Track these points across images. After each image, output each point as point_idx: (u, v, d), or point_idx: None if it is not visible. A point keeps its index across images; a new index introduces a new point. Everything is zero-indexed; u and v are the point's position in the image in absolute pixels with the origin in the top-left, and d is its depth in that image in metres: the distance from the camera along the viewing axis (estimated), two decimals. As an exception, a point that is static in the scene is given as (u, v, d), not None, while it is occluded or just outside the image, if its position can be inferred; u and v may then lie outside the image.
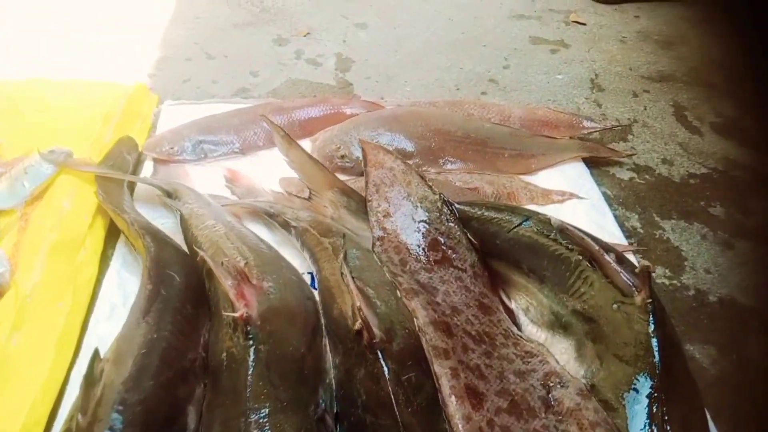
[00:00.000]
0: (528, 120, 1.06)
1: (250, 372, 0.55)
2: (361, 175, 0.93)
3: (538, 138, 1.02)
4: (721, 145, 1.08)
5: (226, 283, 0.60)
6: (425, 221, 0.74)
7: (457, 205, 0.75)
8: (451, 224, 0.73)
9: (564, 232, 0.66)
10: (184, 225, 0.75)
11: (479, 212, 0.74)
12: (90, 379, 0.54)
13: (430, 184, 0.77)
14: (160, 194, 0.85)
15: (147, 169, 0.94)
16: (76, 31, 1.31)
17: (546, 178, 0.97)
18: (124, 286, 0.75)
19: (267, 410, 0.52)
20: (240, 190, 0.92)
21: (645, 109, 1.18)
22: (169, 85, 1.16)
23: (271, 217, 0.83)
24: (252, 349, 0.56)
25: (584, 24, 1.50)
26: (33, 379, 0.63)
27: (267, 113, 1.04)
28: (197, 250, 0.67)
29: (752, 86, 1.28)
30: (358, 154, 0.96)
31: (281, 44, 1.35)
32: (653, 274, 0.78)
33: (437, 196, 0.75)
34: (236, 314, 0.56)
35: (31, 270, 0.71)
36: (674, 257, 0.85)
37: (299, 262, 0.78)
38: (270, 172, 0.96)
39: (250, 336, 0.57)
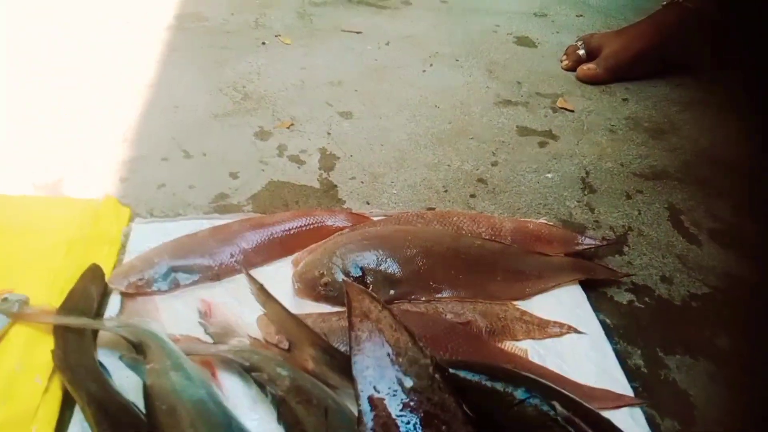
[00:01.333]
0: (520, 234, 1.01)
1: None
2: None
3: (532, 256, 0.97)
4: (721, 258, 1.04)
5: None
6: (416, 390, 0.67)
7: (451, 371, 0.69)
8: (445, 395, 0.67)
9: (571, 423, 0.60)
10: (147, 398, 0.67)
11: (475, 380, 0.68)
12: None
13: (421, 344, 0.71)
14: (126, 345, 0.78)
15: (114, 303, 0.86)
16: (35, 133, 1.25)
17: (541, 305, 0.91)
18: (80, 469, 0.67)
19: None
20: (214, 328, 0.85)
21: (639, 213, 1.14)
22: (142, 192, 1.10)
23: (246, 371, 0.76)
24: None
25: (572, 110, 1.48)
26: None
27: (246, 230, 0.99)
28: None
29: (749, 182, 1.25)
30: (338, 277, 0.91)
31: (263, 138, 1.30)
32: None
33: (428, 360, 0.69)
34: None
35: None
36: (682, 405, 0.79)
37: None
38: (245, 300, 0.89)
39: None
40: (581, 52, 1.67)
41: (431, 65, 1.66)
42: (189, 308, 0.88)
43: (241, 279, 0.94)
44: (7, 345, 0.75)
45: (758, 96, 1.54)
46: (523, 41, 1.85)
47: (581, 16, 2.06)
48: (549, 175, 1.23)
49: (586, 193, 1.19)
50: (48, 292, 0.82)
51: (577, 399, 0.65)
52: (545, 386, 0.66)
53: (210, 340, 0.83)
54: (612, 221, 1.12)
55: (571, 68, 1.67)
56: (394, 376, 0.69)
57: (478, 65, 1.68)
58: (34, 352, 0.75)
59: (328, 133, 1.34)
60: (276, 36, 1.76)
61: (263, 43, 1.71)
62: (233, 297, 0.90)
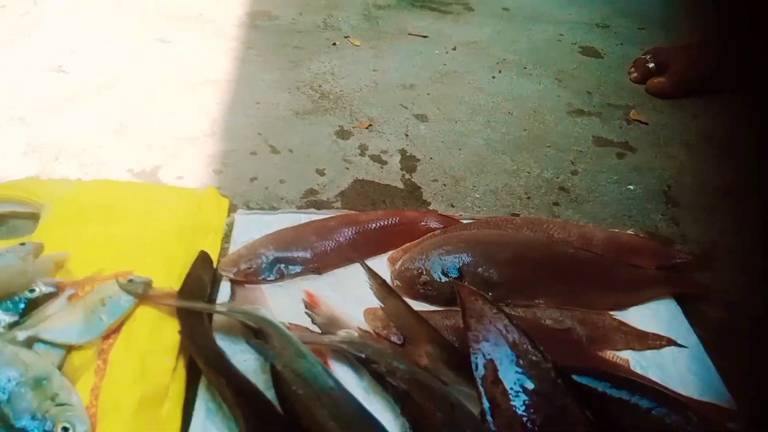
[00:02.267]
0: (612, 244, 1.02)
1: None
2: (447, 304, 0.90)
3: (626, 267, 0.98)
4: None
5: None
6: (539, 392, 0.69)
7: (573, 376, 0.70)
8: (568, 399, 0.68)
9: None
10: (279, 382, 0.70)
11: (598, 386, 0.69)
12: None
13: (540, 347, 0.72)
14: (244, 329, 0.81)
15: (224, 289, 0.90)
16: (130, 125, 1.29)
17: (637, 317, 0.92)
18: (211, 445, 0.70)
19: None
20: (321, 319, 0.87)
21: (724, 229, 1.15)
22: (237, 185, 1.13)
23: (362, 363, 0.78)
24: None
25: (646, 123, 1.48)
26: None
27: (342, 227, 1.02)
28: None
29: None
30: (441, 280, 0.93)
31: (344, 137, 1.33)
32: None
33: (550, 364, 0.71)
34: None
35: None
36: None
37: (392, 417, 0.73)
38: (348, 294, 0.92)
39: None
40: (651, 65, 1.67)
41: (500, 72, 1.68)
42: (294, 299, 0.91)
43: (340, 273, 0.97)
44: (137, 326, 0.78)
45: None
46: (588, 51, 1.85)
47: (643, 29, 2.05)
48: (631, 187, 1.24)
49: (669, 206, 1.19)
50: (166, 276, 0.85)
51: (703, 413, 0.66)
52: (670, 397, 0.67)
53: (318, 330, 0.86)
54: (697, 236, 1.12)
55: (640, 81, 1.67)
56: (516, 377, 0.70)
57: (546, 73, 1.69)
58: (161, 333, 0.78)
59: (406, 135, 1.36)
60: (345, 37, 1.79)
61: (334, 44, 1.74)
62: (335, 290, 0.93)
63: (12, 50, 1.47)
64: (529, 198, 1.19)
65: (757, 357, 0.89)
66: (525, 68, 1.71)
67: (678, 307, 0.94)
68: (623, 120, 1.49)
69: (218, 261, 0.94)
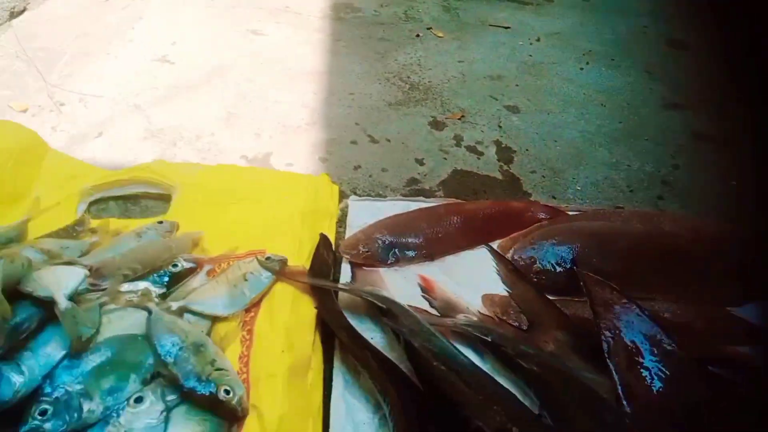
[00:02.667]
0: (724, 240, 1.01)
1: None
2: (559, 294, 0.91)
3: (740, 262, 0.97)
4: None
5: None
6: (673, 380, 0.70)
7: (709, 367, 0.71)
8: (703, 388, 0.69)
9: None
10: (418, 359, 0.73)
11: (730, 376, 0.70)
12: None
13: (673, 335, 0.73)
14: (368, 306, 0.85)
15: (345, 271, 0.94)
16: (237, 113, 1.35)
17: (755, 313, 0.91)
18: (353, 415, 0.74)
19: None
20: (439, 302, 0.90)
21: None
22: (342, 173, 1.18)
23: (487, 346, 0.81)
24: None
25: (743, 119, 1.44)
26: None
27: (451, 215, 1.05)
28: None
29: None
30: (555, 269, 0.94)
31: (438, 128, 1.35)
32: None
33: (684, 353, 0.71)
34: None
35: (272, 397, 0.71)
36: None
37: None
38: (462, 280, 0.95)
39: None
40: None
41: (587, 63, 1.66)
42: (409, 282, 0.94)
43: (450, 260, 1.00)
44: (277, 301, 0.83)
45: None
46: (676, 44, 1.81)
47: (727, 23, 1.98)
48: (735, 183, 1.21)
49: (778, 203, 1.17)
50: (297, 256, 0.90)
51: None
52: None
53: (436, 313, 0.89)
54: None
55: (735, 74, 1.62)
56: (651, 364, 0.71)
57: (635, 65, 1.66)
58: (299, 309, 0.83)
59: (500, 126, 1.37)
60: (428, 29, 1.81)
61: (417, 36, 1.76)
62: (448, 276, 0.96)
63: (120, 42, 1.56)
64: (632, 191, 1.18)
65: None
66: (613, 60, 1.68)
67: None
68: (715, 114, 1.45)
69: (335, 244, 0.99)
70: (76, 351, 0.69)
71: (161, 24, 1.68)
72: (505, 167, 1.24)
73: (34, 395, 0.65)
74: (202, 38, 1.63)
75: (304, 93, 1.43)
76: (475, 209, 1.06)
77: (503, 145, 1.31)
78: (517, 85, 1.54)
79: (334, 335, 0.83)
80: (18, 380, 0.63)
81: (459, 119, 1.39)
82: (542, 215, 1.06)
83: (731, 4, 2.06)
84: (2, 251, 0.82)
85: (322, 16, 1.83)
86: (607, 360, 0.72)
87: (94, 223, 0.96)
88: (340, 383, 0.78)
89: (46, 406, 0.63)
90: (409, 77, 1.55)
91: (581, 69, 1.63)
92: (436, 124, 1.37)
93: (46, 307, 0.70)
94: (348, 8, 1.90)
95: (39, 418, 0.62)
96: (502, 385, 0.70)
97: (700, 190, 1.19)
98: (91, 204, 1.03)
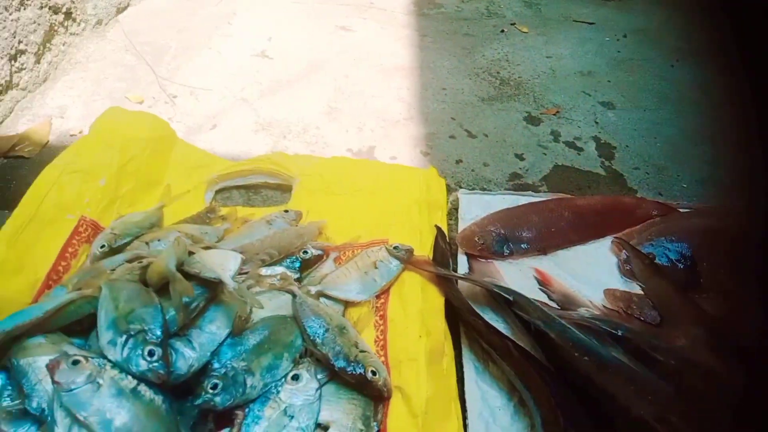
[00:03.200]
0: None
1: None
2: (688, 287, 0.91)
3: None
4: None
5: None
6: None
7: None
8: None
9: None
10: (555, 351, 0.75)
11: None
12: None
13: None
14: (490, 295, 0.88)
15: (461, 263, 0.97)
16: (338, 108, 1.39)
17: None
18: (488, 400, 0.77)
19: None
20: (557, 296, 0.92)
21: None
22: (445, 167, 1.20)
23: (615, 340, 0.82)
24: None
25: None
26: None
27: (562, 210, 1.05)
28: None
29: None
30: (676, 265, 0.94)
31: (534, 123, 1.36)
32: None
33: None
34: None
35: (417, 380, 0.74)
36: None
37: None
38: (578, 275, 0.96)
39: None
40: None
41: (677, 60, 1.63)
42: (525, 275, 0.96)
43: (563, 254, 1.01)
44: (408, 288, 0.86)
45: None
46: (771, 39, 1.74)
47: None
48: None
49: None
50: (419, 246, 0.93)
51: None
52: None
53: (556, 306, 0.90)
54: None
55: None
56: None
57: (730, 64, 1.61)
58: (429, 296, 0.86)
59: (596, 122, 1.37)
60: (511, 24, 1.80)
61: (502, 31, 1.76)
62: (563, 270, 0.97)
63: (220, 37, 1.63)
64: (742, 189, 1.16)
65: None
66: (703, 58, 1.64)
67: None
68: (829, 112, 1.40)
69: (448, 236, 1.01)
70: (238, 330, 0.74)
71: (255, 19, 1.74)
72: (607, 163, 1.24)
73: (202, 371, 0.70)
74: (295, 34, 1.68)
75: (399, 88, 1.46)
76: (586, 204, 1.06)
77: (602, 141, 1.30)
78: (609, 81, 1.53)
79: (457, 324, 0.86)
80: (192, 356, 0.68)
81: (554, 114, 1.39)
82: (654, 212, 1.05)
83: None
84: (158, 233, 0.89)
85: (407, 12, 1.85)
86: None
87: (223, 210, 1.02)
88: (472, 370, 0.81)
89: (216, 381, 0.68)
90: (498, 73, 1.56)
91: (672, 66, 1.60)
92: (532, 120, 1.37)
93: (210, 287, 0.75)
94: (431, 4, 1.91)
95: (211, 391, 0.68)
96: (652, 375, 0.71)
97: (814, 191, 1.16)
98: (217, 192, 1.09)
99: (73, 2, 1.42)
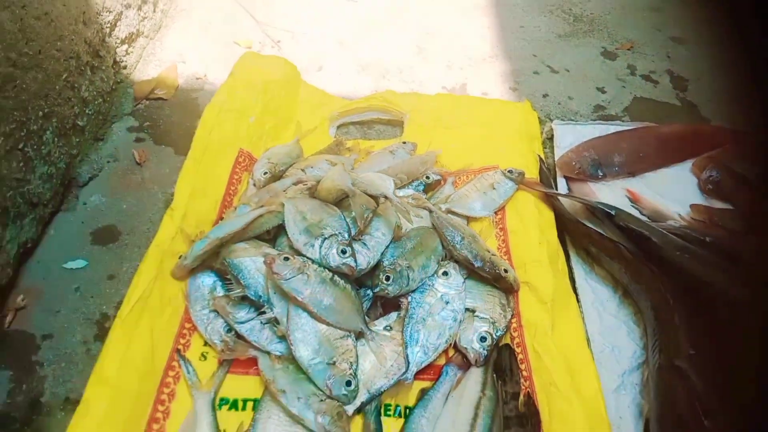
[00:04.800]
0: None
1: None
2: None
3: None
4: None
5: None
6: None
7: None
8: None
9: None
10: (659, 253, 0.91)
11: None
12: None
13: None
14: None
15: (561, 185, 1.11)
16: (427, 48, 1.50)
17: None
18: (597, 294, 0.94)
19: None
20: (647, 211, 1.07)
21: None
22: (534, 100, 1.32)
23: (700, 245, 0.97)
24: None
25: None
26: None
27: (648, 137, 1.18)
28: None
29: None
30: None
31: (611, 58, 1.45)
32: None
33: None
34: None
35: (542, 277, 0.91)
36: None
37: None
38: (664, 193, 1.10)
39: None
40: None
41: (746, -9, 1.67)
42: (617, 195, 1.10)
43: (650, 176, 1.15)
44: (524, 204, 1.02)
45: None
46: None
47: None
48: None
49: None
50: (525, 170, 1.07)
51: None
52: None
53: (647, 220, 1.05)
54: None
55: None
56: None
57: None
58: (542, 211, 1.02)
59: (668, 57, 1.46)
60: (578, -42, 1.84)
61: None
62: (651, 189, 1.11)
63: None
64: (809, 116, 1.26)
65: None
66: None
67: None
68: None
69: (547, 162, 1.15)
70: (397, 237, 0.91)
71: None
72: (681, 95, 1.34)
73: (375, 267, 0.87)
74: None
75: (479, 27, 1.55)
76: (669, 132, 1.18)
77: (675, 75, 1.40)
78: (682, 17, 1.59)
79: (563, 234, 1.02)
80: (369, 254, 0.85)
81: (629, 49, 1.48)
82: (725, 138, 1.17)
83: None
84: (309, 161, 1.05)
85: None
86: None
87: (348, 143, 1.17)
88: (581, 270, 0.97)
89: (389, 274, 0.85)
90: (570, 9, 1.63)
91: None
92: (608, 55, 1.47)
93: (374, 201, 0.91)
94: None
95: (385, 282, 0.85)
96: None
97: None
98: (337, 128, 1.23)
99: (174, -49, 1.52)
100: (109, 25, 1.21)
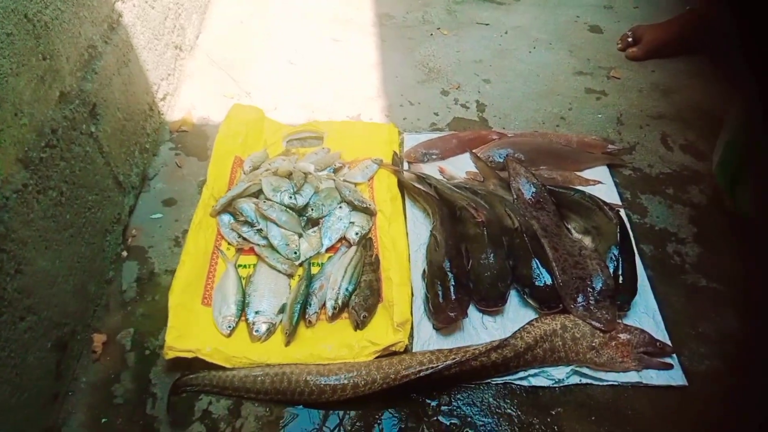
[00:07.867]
0: (580, 142, 2.17)
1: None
2: (501, 170, 2.09)
3: (584, 152, 2.13)
4: (684, 159, 2.15)
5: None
6: (535, 192, 1.88)
7: (548, 186, 1.89)
8: (545, 194, 1.88)
9: (591, 198, 1.80)
10: (442, 194, 1.93)
11: (557, 190, 1.88)
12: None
13: (537, 179, 1.91)
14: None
15: (405, 166, 2.13)
16: (340, 93, 2.52)
17: (587, 174, 2.08)
18: (415, 214, 1.95)
19: (493, 255, 1.70)
20: (446, 176, 2.09)
21: (645, 135, 2.25)
22: (399, 123, 2.34)
23: (464, 189, 1.99)
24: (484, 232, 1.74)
25: (619, 78, 2.55)
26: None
27: (456, 139, 2.22)
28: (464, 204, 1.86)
29: (716, 122, 2.31)
30: (499, 159, 2.11)
31: (445, 95, 2.50)
32: (622, 212, 1.91)
33: (540, 183, 1.90)
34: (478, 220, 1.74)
35: (390, 207, 1.91)
36: (640, 210, 1.96)
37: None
38: (456, 167, 2.13)
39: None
40: (630, 39, 2.69)
41: (534, 48, 2.76)
42: (434, 170, 2.13)
43: (452, 159, 2.18)
44: (382, 175, 2.03)
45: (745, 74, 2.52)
46: (594, 29, 2.88)
47: (637, 7, 3.02)
48: (599, 116, 2.35)
49: (617, 125, 2.30)
50: (387, 159, 2.08)
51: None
52: (584, 191, 1.85)
53: (445, 180, 2.08)
54: (629, 139, 2.24)
55: (622, 50, 2.71)
56: (528, 188, 1.90)
57: (563, 47, 2.76)
58: (392, 179, 2.03)
59: (479, 92, 2.51)
60: (437, 29, 2.90)
61: (431, 35, 2.86)
62: (451, 165, 2.14)
63: (265, 52, 2.70)
64: (543, 123, 2.34)
65: (642, 188, 2.03)
66: (550, 44, 2.78)
67: (607, 169, 2.10)
68: (605, 77, 2.57)
69: (399, 154, 2.17)
70: (315, 190, 1.91)
71: (287, 37, 2.81)
72: (480, 114, 2.40)
73: (306, 205, 1.87)
74: (312, 46, 2.76)
75: (372, 78, 2.57)
76: (465, 135, 2.22)
77: (480, 103, 2.45)
78: (490, 66, 2.66)
79: (402, 191, 2.03)
80: (302, 199, 1.85)
81: (456, 89, 2.53)
82: (495, 137, 2.22)
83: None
84: (274, 159, 2.04)
85: (373, 23, 2.93)
86: (512, 192, 1.91)
87: (292, 150, 2.15)
88: (408, 204, 1.98)
89: (313, 207, 1.85)
90: (427, 64, 2.67)
91: (530, 52, 2.73)
92: (444, 93, 2.51)
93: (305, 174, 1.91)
94: (387, 16, 2.99)
95: (312, 211, 1.84)
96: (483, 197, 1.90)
97: (580, 121, 2.33)
98: (287, 142, 2.22)
99: (182, 39, 2.49)
100: (154, 91, 2.17)
